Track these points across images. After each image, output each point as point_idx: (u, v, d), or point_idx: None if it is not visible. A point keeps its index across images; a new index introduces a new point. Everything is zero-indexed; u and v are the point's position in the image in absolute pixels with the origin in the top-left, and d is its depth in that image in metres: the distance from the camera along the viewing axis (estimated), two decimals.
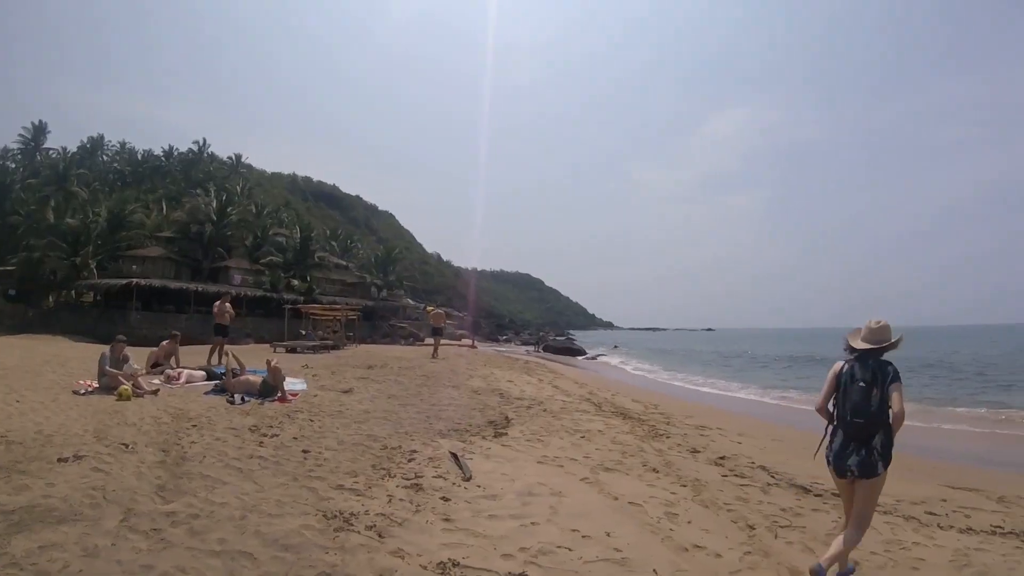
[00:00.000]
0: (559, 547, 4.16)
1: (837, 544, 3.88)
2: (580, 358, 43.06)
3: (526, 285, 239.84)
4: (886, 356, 4.03)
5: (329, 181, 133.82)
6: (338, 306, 34.14)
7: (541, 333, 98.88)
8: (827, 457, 4.05)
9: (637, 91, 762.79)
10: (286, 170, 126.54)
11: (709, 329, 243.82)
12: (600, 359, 44.23)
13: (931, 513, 5.96)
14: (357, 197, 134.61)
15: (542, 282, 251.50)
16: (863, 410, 3.82)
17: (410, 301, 61.21)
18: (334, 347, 24.95)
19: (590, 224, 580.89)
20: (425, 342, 29.17)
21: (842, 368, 4.05)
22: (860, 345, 4.04)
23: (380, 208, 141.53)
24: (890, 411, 3.81)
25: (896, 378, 3.85)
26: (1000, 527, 5.60)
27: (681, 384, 25.19)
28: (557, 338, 75.02)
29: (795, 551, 4.39)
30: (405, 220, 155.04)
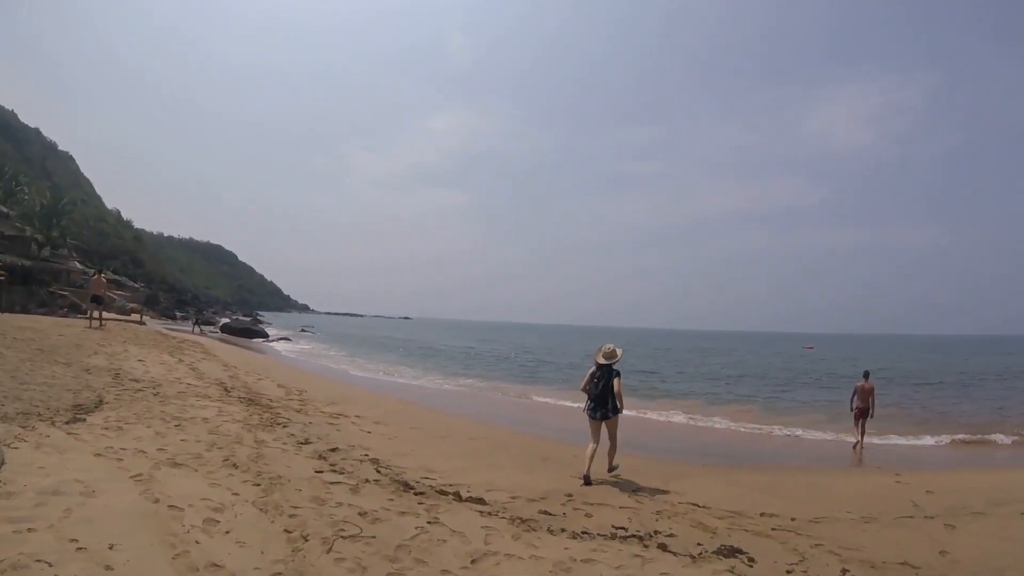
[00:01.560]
0: (39, 561, 3.40)
1: (604, 454, 7.65)
2: (259, 340, 40.47)
3: (217, 258, 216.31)
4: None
5: (8, 106, 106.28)
6: None
7: (228, 311, 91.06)
8: (585, 411, 7.67)
9: (364, 74, 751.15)
10: None
11: (406, 318, 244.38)
12: (282, 342, 42.24)
13: (546, 512, 5.47)
14: (36, 130, 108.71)
15: (235, 256, 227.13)
16: (594, 392, 7.55)
17: (78, 264, 50.48)
18: None
19: (292, 199, 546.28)
20: (90, 314, 24.63)
21: (592, 369, 7.70)
22: (600, 360, 7.63)
23: (60, 148, 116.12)
24: (615, 391, 7.43)
25: (617, 374, 7.56)
26: (623, 528, 5.13)
27: (352, 370, 24.84)
28: (242, 318, 69.81)
29: (341, 571, 3.75)
30: (87, 166, 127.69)
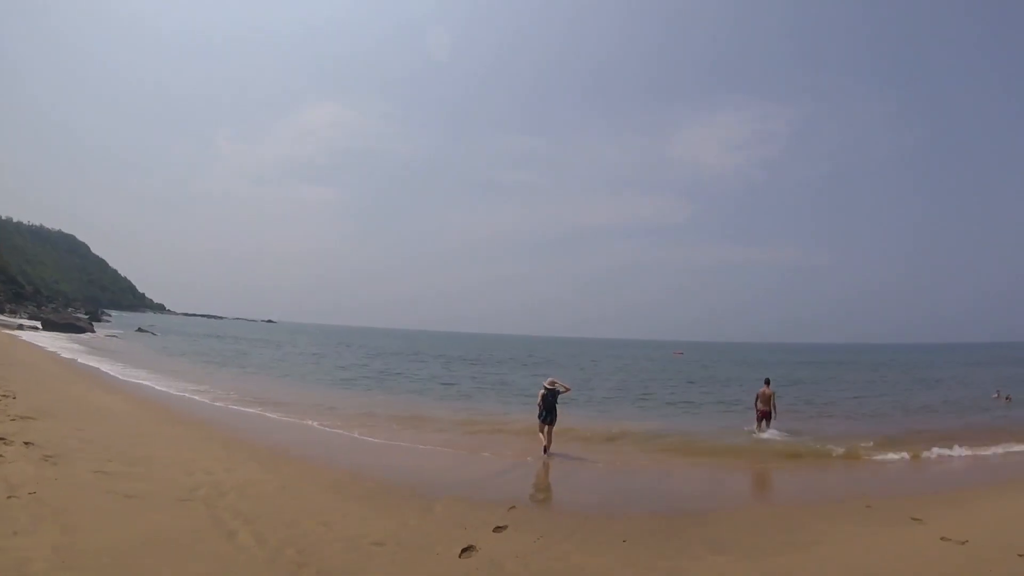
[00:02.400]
0: None
1: (548, 438, 11.25)
2: (53, 335, 39.27)
3: (68, 249, 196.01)
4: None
5: None
6: None
7: (71, 308, 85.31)
8: (538, 417, 11.41)
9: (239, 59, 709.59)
10: None
11: (270, 321, 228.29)
12: (98, 339, 41.78)
13: None
14: None
15: (87, 248, 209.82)
16: (545, 405, 11.42)
17: None
18: None
19: (154, 187, 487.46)
20: None
21: (543, 391, 11.53)
22: (548, 386, 11.59)
23: None
24: (558, 396, 11.66)
25: (559, 393, 11.66)
26: None
27: (119, 375, 21.93)
28: (78, 315, 68.85)
29: None
30: None
